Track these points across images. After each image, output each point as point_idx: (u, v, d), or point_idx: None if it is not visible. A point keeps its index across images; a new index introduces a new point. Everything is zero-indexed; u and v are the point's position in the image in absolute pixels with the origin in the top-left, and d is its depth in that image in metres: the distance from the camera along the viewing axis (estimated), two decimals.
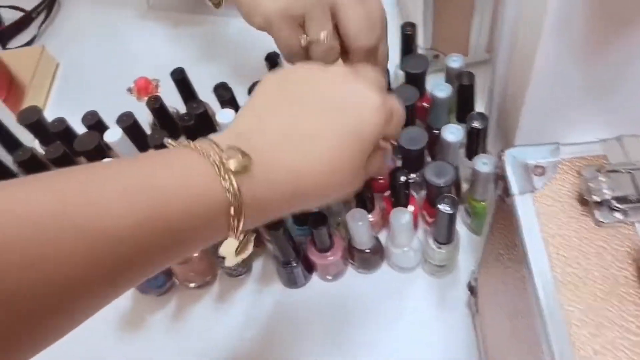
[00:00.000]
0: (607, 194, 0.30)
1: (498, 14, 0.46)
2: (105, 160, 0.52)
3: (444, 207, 0.44)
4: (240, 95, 0.58)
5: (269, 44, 0.49)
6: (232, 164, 0.30)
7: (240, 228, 0.30)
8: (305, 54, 0.46)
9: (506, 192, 0.33)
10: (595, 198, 0.30)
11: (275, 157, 0.32)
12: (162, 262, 0.29)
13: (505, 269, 0.36)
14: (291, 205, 0.34)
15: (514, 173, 0.33)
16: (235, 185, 0.29)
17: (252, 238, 0.53)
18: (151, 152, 0.34)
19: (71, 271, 0.24)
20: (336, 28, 0.45)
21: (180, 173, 0.29)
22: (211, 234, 0.30)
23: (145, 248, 0.27)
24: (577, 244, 0.30)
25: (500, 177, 0.34)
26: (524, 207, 0.31)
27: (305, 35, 0.45)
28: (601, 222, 0.30)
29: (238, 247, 0.51)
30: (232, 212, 0.29)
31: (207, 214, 0.29)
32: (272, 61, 0.58)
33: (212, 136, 0.32)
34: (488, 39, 0.65)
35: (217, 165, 0.29)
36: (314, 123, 0.33)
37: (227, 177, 0.29)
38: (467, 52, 0.67)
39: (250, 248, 0.53)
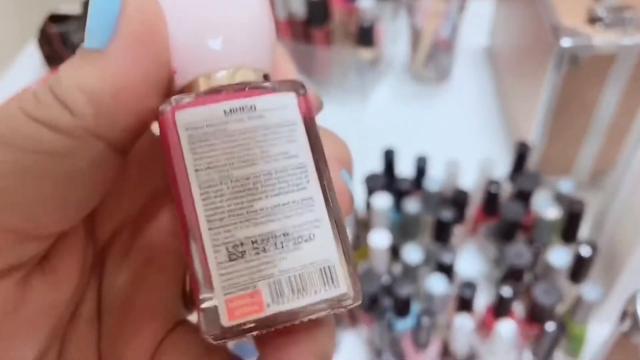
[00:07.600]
0: None
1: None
2: None
3: (549, 327, 0.46)
4: None
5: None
6: None
7: None
8: None
9: (635, 329, 0.34)
10: None
11: None
12: None
13: None
14: None
15: None
16: None
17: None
18: None
19: None
20: None
21: None
22: None
23: None
24: None
25: (628, 314, 0.35)
26: None
27: None
28: None
29: None
30: None
31: None
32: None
33: None
34: (594, 162, 0.68)
35: None
36: None
37: None
38: (569, 172, 0.69)
39: None
